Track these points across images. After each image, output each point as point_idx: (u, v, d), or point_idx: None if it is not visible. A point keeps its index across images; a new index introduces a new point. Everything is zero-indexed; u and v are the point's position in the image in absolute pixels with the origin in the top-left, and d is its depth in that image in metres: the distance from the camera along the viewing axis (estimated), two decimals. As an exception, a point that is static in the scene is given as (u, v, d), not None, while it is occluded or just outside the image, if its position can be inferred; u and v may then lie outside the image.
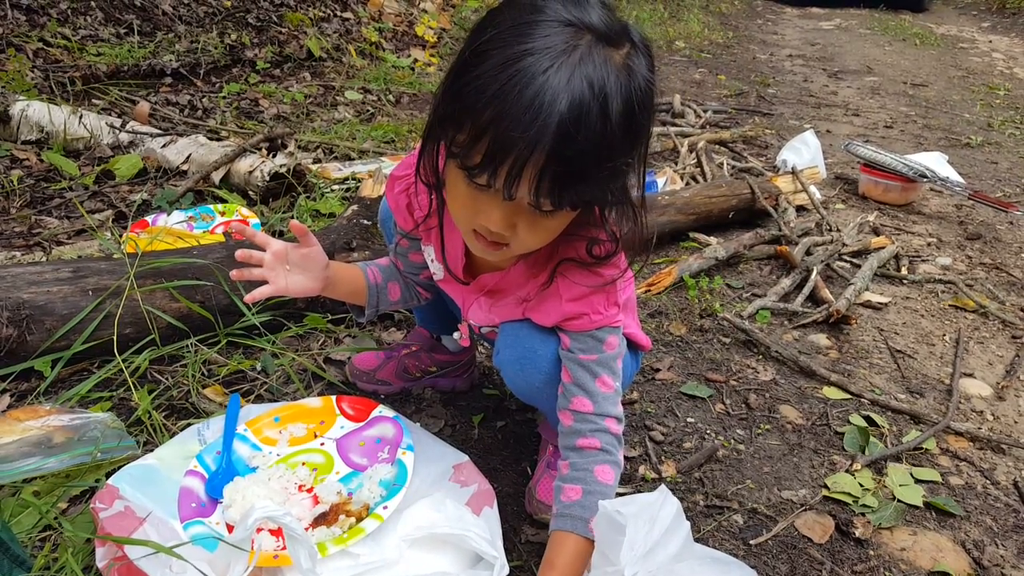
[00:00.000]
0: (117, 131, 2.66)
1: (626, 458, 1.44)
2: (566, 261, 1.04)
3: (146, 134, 2.67)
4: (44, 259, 1.92)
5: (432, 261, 1.23)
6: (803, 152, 3.12)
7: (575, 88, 0.79)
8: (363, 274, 1.28)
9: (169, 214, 2.22)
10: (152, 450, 1.22)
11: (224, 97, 3.41)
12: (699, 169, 3.01)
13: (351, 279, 1.27)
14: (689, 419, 1.59)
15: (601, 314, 1.07)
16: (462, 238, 1.10)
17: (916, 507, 1.38)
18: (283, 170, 2.39)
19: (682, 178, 2.88)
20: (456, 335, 1.30)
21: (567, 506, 1.05)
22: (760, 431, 1.57)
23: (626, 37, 0.85)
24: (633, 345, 1.28)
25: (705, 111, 4.09)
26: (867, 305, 2.16)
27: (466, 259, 1.16)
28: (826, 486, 1.41)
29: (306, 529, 1.08)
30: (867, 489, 1.40)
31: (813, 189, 2.81)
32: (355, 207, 2.07)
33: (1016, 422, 1.69)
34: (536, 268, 1.08)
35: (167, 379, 1.51)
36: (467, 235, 0.98)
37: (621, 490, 1.35)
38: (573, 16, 0.82)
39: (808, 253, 2.37)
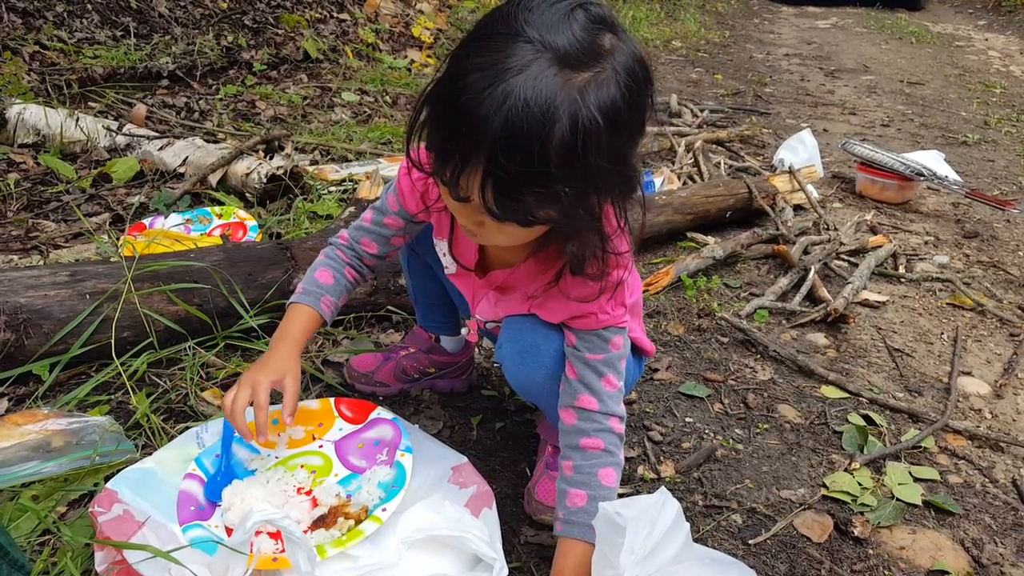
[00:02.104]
0: (114, 134, 2.66)
1: (625, 458, 1.44)
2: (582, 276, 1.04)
3: (143, 137, 2.66)
4: (41, 263, 1.92)
5: (444, 255, 1.24)
6: (800, 151, 3.12)
7: (511, 108, 0.78)
8: (317, 314, 1.24)
9: (166, 217, 2.22)
10: (151, 453, 1.22)
11: (221, 99, 3.40)
12: (696, 169, 3.01)
13: (311, 330, 1.25)
14: (688, 419, 1.59)
15: (608, 314, 1.07)
16: None
17: (915, 506, 1.38)
18: (280, 172, 2.38)
19: (679, 178, 2.88)
20: (464, 331, 1.31)
21: (573, 512, 1.05)
22: (759, 430, 1.57)
23: (599, 62, 0.81)
24: (637, 350, 1.28)
25: (702, 110, 4.09)
26: (865, 304, 2.16)
27: (479, 255, 1.17)
28: (825, 485, 1.41)
29: (305, 532, 1.07)
30: (866, 488, 1.40)
31: (810, 188, 2.82)
32: (352, 208, 2.07)
33: (1014, 420, 1.70)
34: (545, 265, 1.08)
35: (165, 382, 1.51)
36: (458, 221, 1.01)
37: (620, 490, 1.35)
38: (538, 34, 0.80)
39: (806, 252, 2.37)
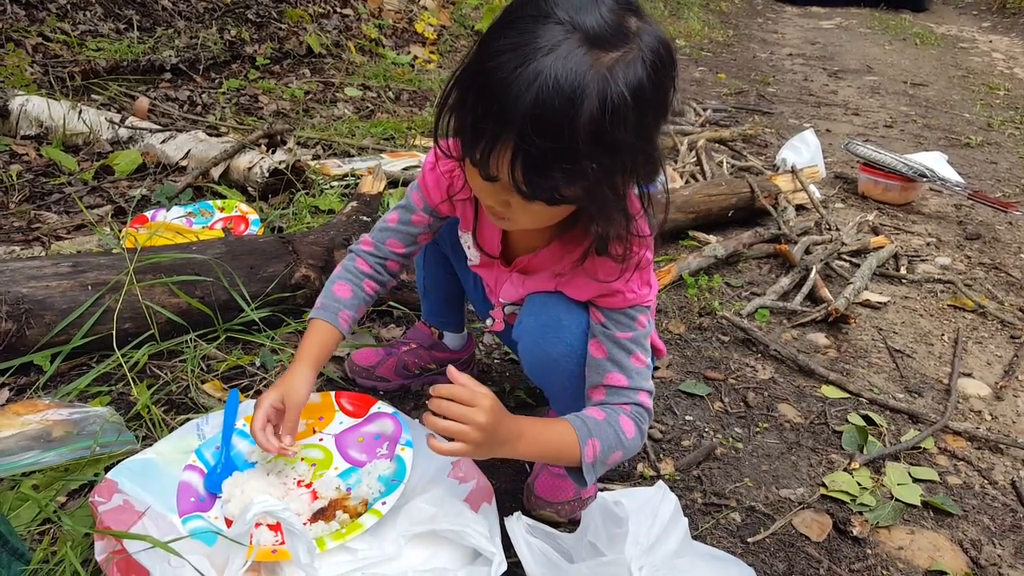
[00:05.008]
0: (116, 126, 2.66)
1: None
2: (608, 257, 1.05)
3: (145, 129, 2.66)
4: (43, 254, 1.92)
5: (469, 248, 1.25)
6: (803, 151, 3.12)
7: (542, 86, 0.80)
8: (335, 329, 1.23)
9: (168, 210, 2.22)
10: (151, 445, 1.22)
11: (223, 93, 3.40)
12: (699, 167, 3.01)
13: (329, 345, 1.23)
14: (687, 417, 1.59)
15: (635, 292, 1.09)
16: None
17: (914, 506, 1.38)
18: (282, 166, 2.38)
19: (682, 176, 2.88)
20: (489, 322, 1.31)
21: (584, 415, 1.07)
22: (758, 429, 1.57)
23: (627, 42, 0.83)
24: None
25: (705, 109, 4.09)
26: (866, 304, 2.16)
27: (503, 244, 1.19)
28: (824, 485, 1.41)
29: (304, 524, 1.08)
30: (865, 488, 1.41)
31: (813, 188, 2.81)
32: (354, 203, 2.07)
33: (1014, 422, 1.70)
34: (572, 245, 1.09)
35: (166, 374, 1.51)
36: (483, 204, 1.03)
37: (618, 487, 1.35)
38: (567, 16, 0.82)
39: (807, 252, 2.37)
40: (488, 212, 1.02)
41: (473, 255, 1.25)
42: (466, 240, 1.25)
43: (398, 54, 4.56)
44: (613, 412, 1.08)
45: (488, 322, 1.32)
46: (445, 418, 0.93)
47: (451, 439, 0.94)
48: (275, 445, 1.11)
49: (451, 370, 0.96)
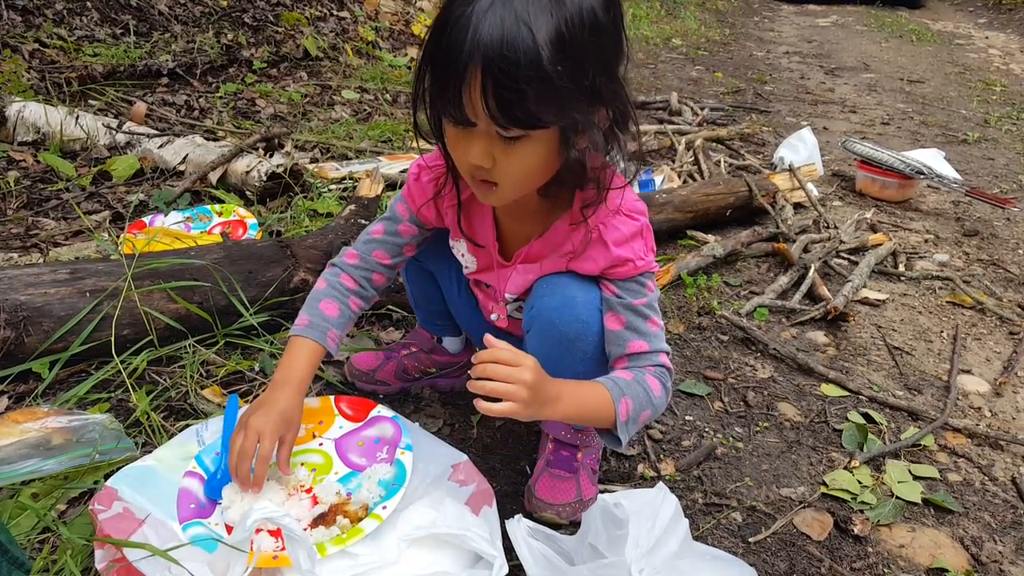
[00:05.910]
0: (114, 132, 2.66)
1: (624, 456, 1.44)
2: (587, 207, 1.08)
3: (143, 135, 2.66)
4: (41, 260, 1.92)
5: (463, 256, 1.26)
6: (800, 149, 3.12)
7: (496, 12, 0.86)
8: (324, 349, 1.22)
9: (166, 215, 2.22)
10: (151, 451, 1.22)
11: (221, 97, 3.40)
12: (696, 167, 3.01)
13: (316, 366, 1.23)
14: (687, 417, 1.59)
15: (643, 259, 1.12)
16: (490, 223, 1.18)
17: (915, 504, 1.38)
18: (280, 170, 2.38)
19: (680, 176, 2.88)
20: (494, 316, 1.31)
21: (613, 376, 1.10)
22: (758, 429, 1.57)
23: None
24: None
25: (702, 109, 4.09)
26: (865, 302, 2.16)
27: (499, 243, 1.20)
28: (825, 483, 1.41)
29: (305, 530, 1.07)
30: (866, 486, 1.41)
31: (810, 186, 2.81)
32: (352, 207, 2.07)
33: (1014, 418, 1.70)
34: (575, 221, 1.11)
35: (165, 380, 1.51)
36: (470, 182, 1.04)
37: (619, 489, 1.35)
38: None
39: (806, 250, 2.37)
40: (475, 187, 1.04)
41: (469, 261, 1.25)
42: (459, 248, 1.26)
43: (395, 56, 4.57)
44: (639, 372, 1.11)
45: (493, 316, 1.32)
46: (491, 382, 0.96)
47: (498, 401, 0.96)
48: (261, 484, 1.10)
49: (488, 337, 1.00)
